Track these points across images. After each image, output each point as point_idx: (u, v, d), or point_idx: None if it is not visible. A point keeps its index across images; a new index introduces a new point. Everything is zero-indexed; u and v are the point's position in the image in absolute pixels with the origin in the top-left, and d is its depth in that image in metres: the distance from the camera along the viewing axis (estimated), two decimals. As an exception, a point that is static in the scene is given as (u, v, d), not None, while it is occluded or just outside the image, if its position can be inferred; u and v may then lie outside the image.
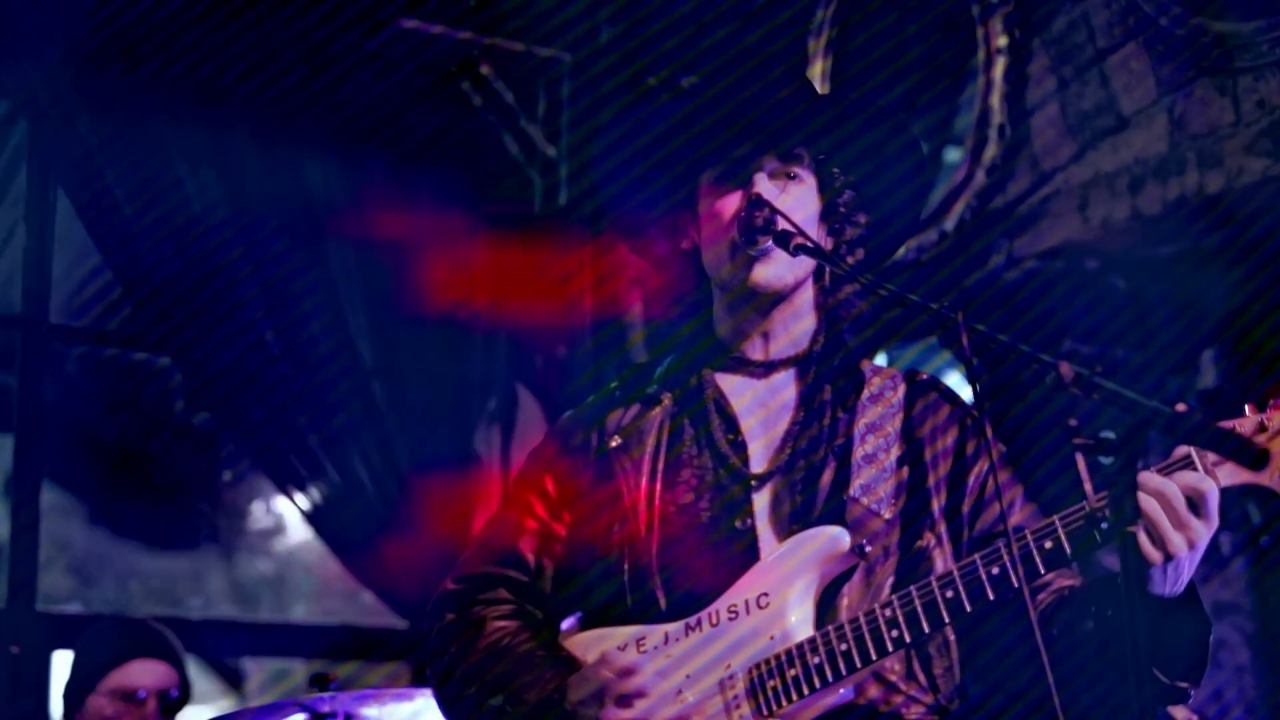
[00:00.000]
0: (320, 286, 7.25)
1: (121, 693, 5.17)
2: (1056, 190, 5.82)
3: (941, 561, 2.93)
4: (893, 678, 2.89)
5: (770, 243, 2.94)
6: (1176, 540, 2.60)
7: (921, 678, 2.91)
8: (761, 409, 3.08)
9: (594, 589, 3.06)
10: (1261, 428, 2.60)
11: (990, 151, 6.02)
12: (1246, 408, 2.67)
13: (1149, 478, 2.62)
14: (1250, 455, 2.36)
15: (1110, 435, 2.31)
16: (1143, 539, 2.57)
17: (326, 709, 4.35)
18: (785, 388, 3.09)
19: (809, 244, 2.91)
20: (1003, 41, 6.00)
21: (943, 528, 2.97)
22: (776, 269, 2.99)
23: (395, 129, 7.28)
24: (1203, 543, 2.62)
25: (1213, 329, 5.66)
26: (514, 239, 7.42)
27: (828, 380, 3.07)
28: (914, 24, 6.50)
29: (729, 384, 3.11)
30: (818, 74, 6.65)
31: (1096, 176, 5.68)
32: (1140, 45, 5.54)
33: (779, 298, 3.05)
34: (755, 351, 3.11)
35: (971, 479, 3.00)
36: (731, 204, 3.00)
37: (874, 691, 2.87)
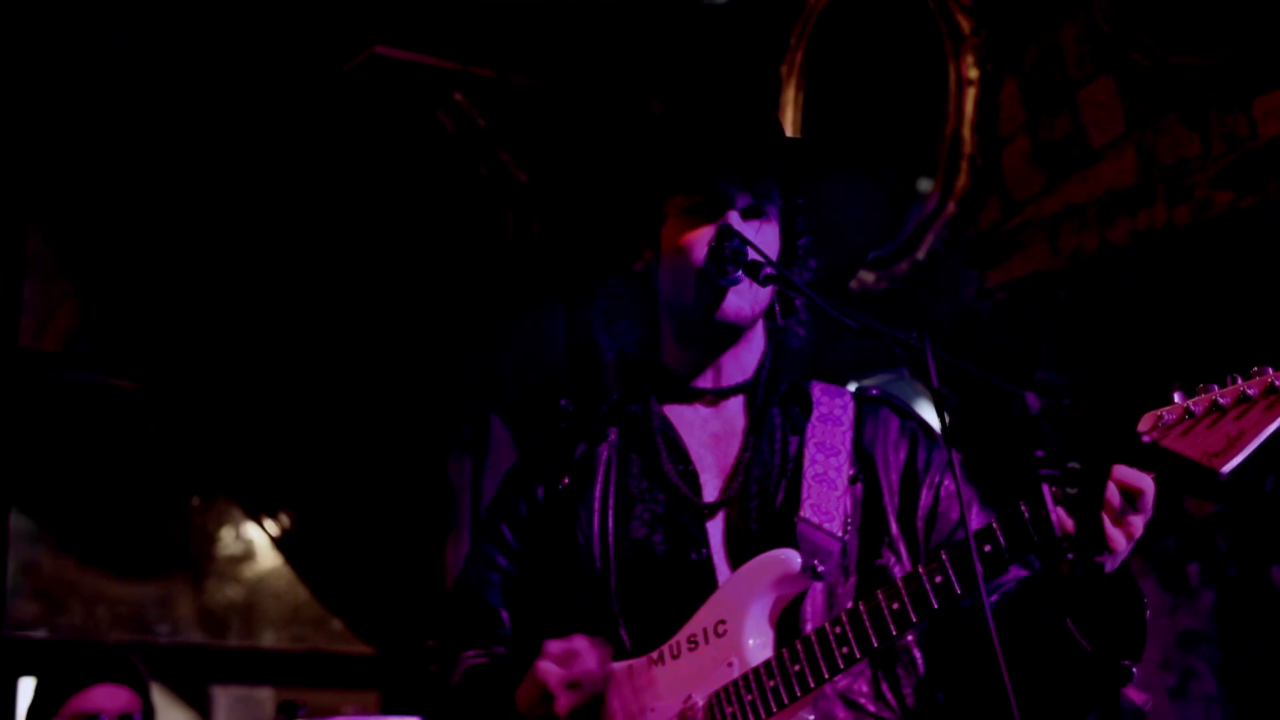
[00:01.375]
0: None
1: (83, 717, 5.13)
2: (1027, 221, 5.85)
3: (901, 573, 2.91)
4: (860, 699, 2.88)
5: (740, 273, 2.94)
6: (1117, 536, 2.59)
7: (890, 698, 2.90)
8: (711, 438, 3.06)
9: (560, 632, 3.05)
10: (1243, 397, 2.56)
11: (961, 181, 6.05)
12: (1176, 394, 2.65)
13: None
14: (1211, 487, 2.37)
15: (1076, 465, 2.32)
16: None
17: (294, 737, 4.34)
18: (735, 415, 3.08)
19: (779, 274, 2.91)
20: (974, 73, 6.04)
21: (901, 544, 2.96)
22: (743, 300, 2.99)
23: (368, 156, 7.30)
24: (1139, 534, 2.62)
25: (1181, 360, 5.68)
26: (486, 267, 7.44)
27: (776, 404, 3.06)
28: (885, 53, 6.53)
29: (676, 414, 3.09)
30: (789, 101, 6.68)
31: (1066, 208, 5.71)
32: (1110, 78, 5.58)
33: (738, 332, 3.06)
34: (705, 380, 3.09)
35: (924, 490, 2.98)
36: (703, 236, 3.00)
37: (841, 714, 2.85)
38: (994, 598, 2.86)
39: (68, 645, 5.98)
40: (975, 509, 2.97)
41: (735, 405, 3.09)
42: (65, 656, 5.40)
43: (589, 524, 3.00)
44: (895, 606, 2.73)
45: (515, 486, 3.16)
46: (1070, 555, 2.58)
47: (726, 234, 2.94)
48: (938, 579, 2.71)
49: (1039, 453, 2.35)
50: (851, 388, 3.16)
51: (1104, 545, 2.50)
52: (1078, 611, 2.67)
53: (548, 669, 2.82)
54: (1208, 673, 5.91)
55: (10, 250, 6.93)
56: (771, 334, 3.13)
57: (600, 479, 3.04)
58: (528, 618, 3.10)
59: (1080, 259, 5.66)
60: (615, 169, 3.16)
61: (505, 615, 3.10)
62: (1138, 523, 2.58)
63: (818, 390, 3.09)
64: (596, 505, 3.01)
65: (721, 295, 2.97)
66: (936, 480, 3.00)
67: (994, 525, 2.69)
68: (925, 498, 2.98)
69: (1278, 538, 5.84)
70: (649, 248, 3.10)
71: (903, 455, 3.02)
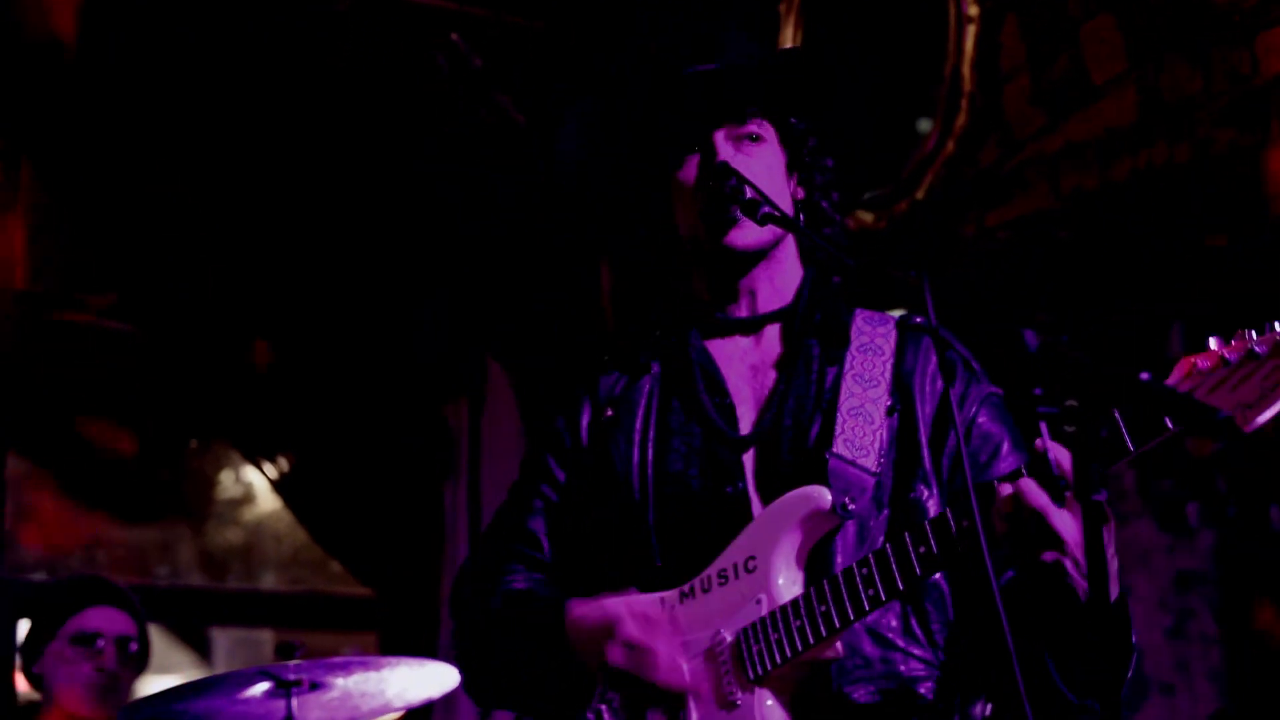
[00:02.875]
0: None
1: (80, 636, 5.14)
2: (1027, 160, 5.82)
3: (936, 508, 2.88)
4: (889, 634, 2.86)
5: (737, 211, 2.92)
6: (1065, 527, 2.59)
7: (919, 633, 2.89)
8: (749, 369, 3.03)
9: (594, 558, 3.05)
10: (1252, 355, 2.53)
11: (961, 120, 6.02)
12: (1212, 341, 2.61)
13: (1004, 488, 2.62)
14: (1214, 426, 2.34)
15: (1074, 403, 2.30)
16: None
17: (292, 676, 4.34)
18: (772, 344, 3.04)
19: (776, 213, 2.88)
20: (974, 10, 5.99)
21: (932, 478, 2.92)
22: (750, 232, 2.97)
23: (364, 96, 7.25)
24: (1072, 541, 2.58)
25: (1178, 299, 5.67)
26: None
27: (815, 333, 3.02)
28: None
29: (716, 347, 3.06)
30: (787, 39, 6.63)
31: (1067, 146, 5.68)
32: (1111, 14, 5.54)
33: (759, 256, 3.03)
34: (741, 309, 3.06)
35: (956, 425, 2.86)
36: (692, 169, 2.99)
37: (869, 648, 2.85)
38: (1009, 573, 2.85)
39: (64, 578, 5.97)
40: (1006, 449, 2.93)
41: (772, 333, 3.05)
42: (60, 583, 5.42)
43: (629, 456, 2.99)
44: (922, 550, 2.70)
45: (561, 418, 3.14)
46: (1068, 494, 2.56)
47: (721, 173, 2.92)
48: (964, 523, 2.68)
49: (1037, 390, 2.33)
50: (896, 314, 3.11)
51: (1104, 483, 2.48)
52: (1056, 643, 2.67)
53: (616, 601, 2.83)
54: (1206, 612, 5.93)
55: (5, 191, 6.90)
56: (809, 257, 3.09)
57: (641, 412, 3.03)
58: (568, 547, 3.09)
59: (1081, 198, 5.63)
60: (611, 123, 3.14)
61: (546, 543, 3.09)
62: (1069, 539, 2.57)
63: (860, 319, 3.04)
64: (636, 438, 3.00)
65: (726, 227, 2.95)
66: (971, 415, 2.95)
67: (1023, 469, 2.64)
68: (953, 435, 2.92)
69: (1277, 478, 5.84)
70: (659, 192, 3.09)
71: (940, 386, 2.95)
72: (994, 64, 5.94)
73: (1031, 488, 2.59)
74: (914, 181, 6.15)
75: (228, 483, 8.32)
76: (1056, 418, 2.31)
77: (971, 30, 5.96)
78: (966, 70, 5.98)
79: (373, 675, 4.51)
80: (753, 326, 3.05)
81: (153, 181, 7.23)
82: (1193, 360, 2.57)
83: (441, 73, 7.27)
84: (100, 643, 5.13)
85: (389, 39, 7.05)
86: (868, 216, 6.34)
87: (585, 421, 3.10)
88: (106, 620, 5.18)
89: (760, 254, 3.01)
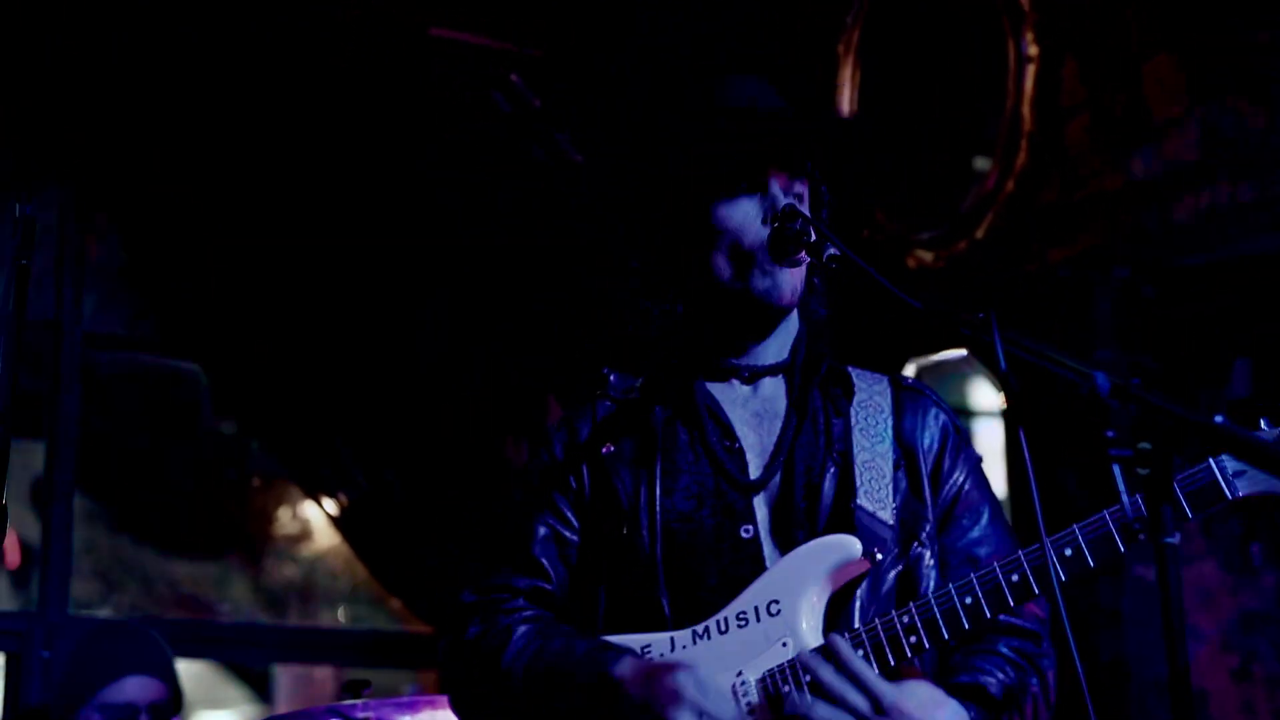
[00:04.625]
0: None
1: (114, 710, 5.14)
2: (1088, 198, 5.80)
3: (930, 565, 2.97)
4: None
5: (803, 254, 2.93)
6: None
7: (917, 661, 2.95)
8: (753, 416, 3.06)
9: (599, 597, 3.04)
10: None
11: (1020, 159, 6.01)
12: (1263, 421, 2.69)
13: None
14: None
15: (1147, 446, 2.30)
16: None
17: (361, 715, 4.35)
18: (774, 394, 3.08)
19: (843, 253, 2.90)
20: (1034, 50, 5.99)
21: (934, 533, 3.01)
22: (797, 283, 2.99)
23: (425, 137, 7.31)
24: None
25: (1245, 339, 5.63)
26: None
27: (816, 386, 3.07)
28: (943, 30, 6.49)
29: (718, 390, 3.08)
30: (845, 80, 6.65)
31: (1128, 184, 5.66)
32: (1173, 54, 5.53)
33: (787, 312, 3.06)
34: (743, 359, 3.09)
35: (944, 489, 3.04)
36: (751, 214, 2.99)
37: None
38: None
39: (93, 627, 5.95)
40: (986, 519, 3.04)
41: (773, 385, 3.09)
42: (94, 642, 5.39)
43: (636, 493, 2.99)
44: (969, 600, 2.75)
45: (563, 452, 3.13)
46: (1142, 537, 2.57)
47: (789, 214, 2.93)
48: (1014, 577, 2.79)
49: (1109, 433, 2.34)
50: (887, 376, 3.17)
51: (1175, 526, 2.47)
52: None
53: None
54: (1271, 654, 5.87)
55: (70, 234, 7.00)
56: (803, 313, 3.13)
57: (648, 450, 3.03)
58: (573, 581, 3.08)
59: (1142, 236, 5.62)
60: (657, 155, 3.14)
61: (553, 572, 3.06)
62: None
63: (854, 374, 3.11)
64: (644, 475, 3.00)
65: (780, 278, 2.96)
66: (959, 481, 3.05)
67: (1076, 531, 2.76)
68: (945, 494, 3.04)
69: (1342, 518, 5.79)
70: (694, 229, 3.08)
71: (935, 447, 3.06)
72: (1054, 102, 5.94)
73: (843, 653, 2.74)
74: (974, 220, 6.15)
75: (286, 519, 8.36)
76: (1130, 460, 2.31)
77: (1031, 69, 5.96)
78: (1026, 109, 5.97)
79: (440, 714, 4.52)
80: (751, 377, 3.09)
81: (217, 222, 7.31)
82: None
83: (500, 111, 7.33)
84: (137, 716, 5.13)
85: (452, 77, 7.11)
86: (927, 255, 6.34)
87: (587, 456, 3.09)
88: (141, 690, 5.16)
89: (791, 308, 3.05)
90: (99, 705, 5.11)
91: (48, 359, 6.97)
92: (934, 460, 3.05)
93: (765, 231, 2.96)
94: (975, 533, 3.01)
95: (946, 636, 2.78)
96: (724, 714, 2.77)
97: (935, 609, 2.78)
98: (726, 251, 3.00)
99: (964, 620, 2.77)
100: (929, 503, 3.01)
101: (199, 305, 7.51)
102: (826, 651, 2.77)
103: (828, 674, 2.74)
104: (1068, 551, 2.75)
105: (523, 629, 2.98)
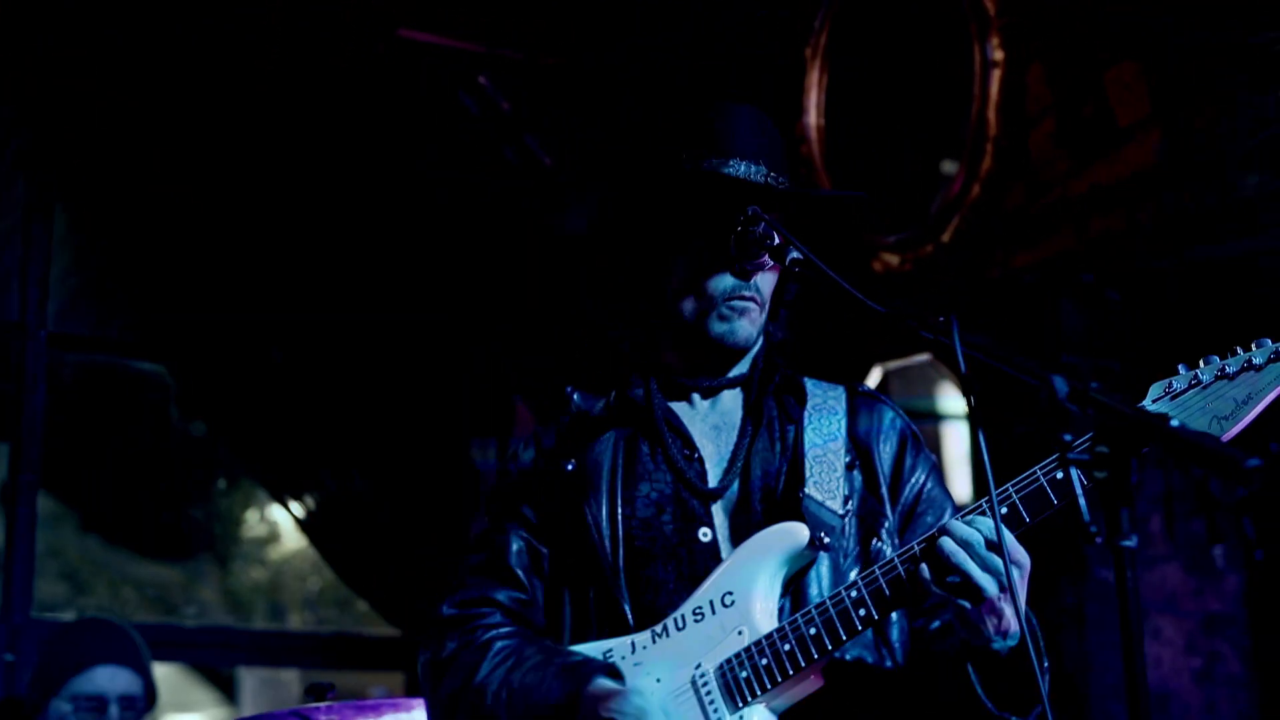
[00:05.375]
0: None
1: (83, 699, 5.13)
2: (1053, 203, 5.83)
3: None
4: (868, 661, 2.98)
5: (765, 257, 2.97)
6: (986, 581, 2.70)
7: (883, 649, 3.01)
8: (711, 429, 3.14)
9: (563, 606, 3.09)
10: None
11: (986, 164, 6.03)
12: (1182, 366, 2.81)
13: (954, 525, 2.75)
14: (1237, 473, 2.36)
15: (1104, 450, 2.31)
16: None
17: (325, 718, 4.34)
18: (732, 407, 3.16)
19: (805, 257, 2.92)
20: (999, 55, 6.01)
21: (895, 533, 3.08)
22: (753, 327, 3.09)
23: (393, 139, 7.30)
24: (1018, 582, 2.72)
25: (1207, 342, 5.65)
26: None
27: (772, 395, 3.14)
28: (910, 35, 6.51)
29: (678, 408, 3.17)
30: (813, 84, 6.66)
31: (1093, 190, 5.69)
32: (1136, 60, 5.56)
33: (742, 352, 3.14)
34: (703, 378, 3.17)
35: (905, 488, 3.11)
36: (720, 271, 3.06)
37: (849, 677, 2.94)
38: (937, 624, 2.97)
39: (66, 623, 5.94)
40: (949, 513, 3.08)
41: (730, 398, 3.18)
42: (66, 634, 5.39)
43: (596, 505, 3.05)
44: (910, 569, 2.80)
45: (528, 467, 3.20)
46: (1099, 540, 2.58)
47: (753, 219, 2.96)
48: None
49: (1066, 437, 2.36)
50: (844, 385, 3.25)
51: (1133, 529, 2.49)
52: (980, 663, 2.80)
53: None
54: (1233, 656, 5.90)
55: (36, 235, 6.96)
56: (763, 329, 3.19)
57: (608, 463, 3.10)
58: (545, 592, 3.12)
59: (1107, 242, 5.64)
60: (627, 193, 3.21)
61: (528, 581, 3.11)
62: (1001, 566, 2.69)
63: (810, 383, 3.19)
64: (605, 486, 3.07)
65: (732, 326, 3.06)
66: (920, 481, 3.12)
67: (1009, 488, 2.81)
68: (906, 496, 3.11)
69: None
70: (662, 262, 3.13)
71: (894, 450, 3.14)
72: (1020, 107, 5.96)
73: (953, 548, 2.73)
74: (940, 224, 6.17)
75: (253, 521, 8.33)
76: (1087, 464, 2.33)
77: (997, 74, 5.98)
78: (991, 115, 6.00)
79: (404, 717, 4.51)
80: (710, 391, 3.17)
81: (181, 223, 7.28)
82: (1169, 380, 2.79)
83: (470, 114, 7.32)
84: (106, 707, 5.11)
85: (420, 81, 7.11)
86: (893, 259, 6.36)
87: (549, 471, 3.15)
88: (111, 680, 5.15)
89: (747, 349, 3.13)
90: (69, 695, 5.10)
91: (13, 360, 6.93)
92: (893, 462, 3.12)
93: (726, 279, 3.05)
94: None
95: (894, 605, 2.84)
96: None
97: (880, 579, 2.83)
98: (687, 292, 3.09)
99: (908, 587, 2.81)
100: (887, 501, 3.08)
101: (166, 306, 7.48)
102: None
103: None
104: (1003, 510, 2.78)
105: (499, 645, 3.03)
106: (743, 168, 3.07)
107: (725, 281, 3.05)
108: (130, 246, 7.45)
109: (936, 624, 2.98)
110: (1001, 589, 2.70)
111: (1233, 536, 5.97)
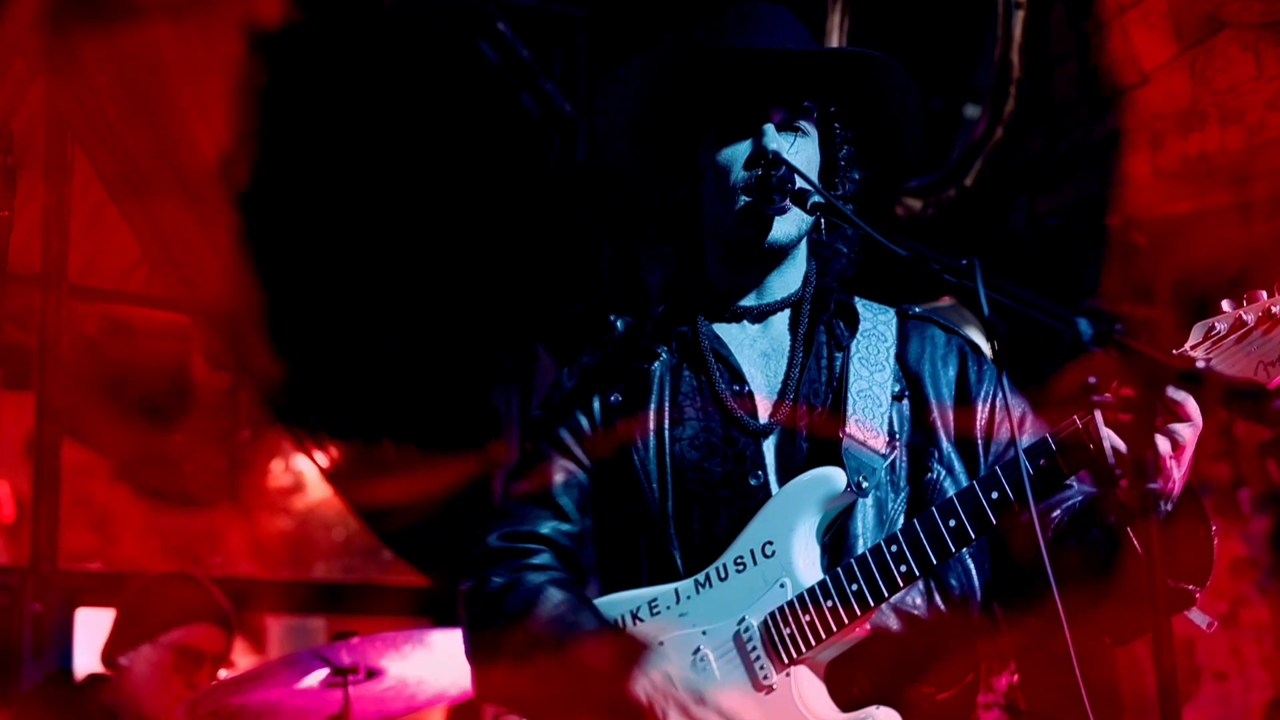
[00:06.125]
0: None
1: (186, 651, 5.18)
2: (1076, 146, 5.79)
3: (953, 492, 2.91)
4: (914, 611, 2.90)
5: (786, 201, 2.93)
6: (1160, 443, 2.59)
7: (943, 608, 2.92)
8: (760, 356, 3.07)
9: (612, 550, 3.06)
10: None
11: (1009, 107, 5.99)
12: (1226, 303, 2.67)
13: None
14: (1268, 412, 2.33)
15: (1129, 392, 2.29)
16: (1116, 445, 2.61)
17: (347, 661, 4.36)
18: (781, 332, 3.09)
19: (826, 201, 2.89)
20: (1022, -5, 5.97)
21: (954, 458, 2.98)
22: (789, 226, 2.98)
23: (412, 87, 7.27)
24: (1190, 442, 2.61)
25: (1234, 285, 5.63)
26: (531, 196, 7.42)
27: (821, 320, 3.07)
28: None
29: (726, 332, 3.09)
30: (834, 26, 6.62)
31: (1117, 132, 5.65)
32: (1161, -1, 5.51)
33: (786, 251, 3.04)
34: (750, 299, 3.10)
35: (979, 405, 3.00)
36: (740, 154, 2.98)
37: (895, 624, 2.88)
38: (1057, 514, 2.87)
39: (168, 575, 5.97)
40: (1029, 423, 2.99)
41: (781, 322, 3.10)
42: (168, 585, 5.41)
43: (644, 445, 3.00)
44: (952, 523, 2.75)
45: (572, 397, 3.14)
46: (1124, 482, 2.57)
47: (773, 162, 2.92)
48: (994, 495, 2.73)
49: (1091, 379, 2.33)
50: (895, 307, 3.16)
51: (1158, 471, 2.48)
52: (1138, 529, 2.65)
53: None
54: (1258, 599, 5.89)
55: (58, 183, 6.96)
56: (815, 250, 3.12)
57: (654, 398, 3.04)
58: (589, 526, 3.10)
59: (1130, 184, 5.61)
60: (649, 95, 3.12)
61: (574, 512, 3.08)
62: (1187, 437, 2.58)
63: (860, 306, 3.10)
64: (651, 425, 3.01)
65: (768, 222, 2.96)
66: (991, 393, 3.02)
67: (1048, 439, 2.70)
68: (982, 412, 3.01)
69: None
70: (690, 171, 3.08)
71: (953, 372, 3.04)
72: (1043, 50, 5.92)
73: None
74: (962, 168, 6.13)
75: (278, 471, 8.35)
76: (1112, 406, 2.31)
77: (1020, 16, 5.93)
78: (1015, 57, 5.95)
79: (425, 655, 4.52)
80: (761, 315, 3.09)
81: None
82: (1211, 322, 2.65)
83: (488, 63, 7.29)
84: (203, 663, 5.17)
85: (435, 30, 7.06)
86: (915, 203, 6.32)
87: (595, 401, 3.10)
88: (211, 640, 5.22)
89: (787, 251, 3.03)
90: (169, 644, 5.15)
91: (36, 311, 6.93)
92: (956, 382, 3.02)
93: (752, 174, 2.95)
94: (1021, 436, 2.95)
95: (935, 560, 2.78)
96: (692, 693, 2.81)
97: (920, 534, 2.77)
98: (725, 193, 2.99)
99: (950, 543, 2.77)
100: (940, 428, 2.98)
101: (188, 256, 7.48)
102: None
103: None
104: (1041, 461, 2.72)
105: (554, 596, 2.98)
106: (753, 40, 2.99)
107: (752, 175, 2.95)
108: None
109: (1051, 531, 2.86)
110: (1177, 447, 2.59)
111: (1258, 480, 5.96)
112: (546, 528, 3.07)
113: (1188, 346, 2.70)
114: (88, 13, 6.52)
